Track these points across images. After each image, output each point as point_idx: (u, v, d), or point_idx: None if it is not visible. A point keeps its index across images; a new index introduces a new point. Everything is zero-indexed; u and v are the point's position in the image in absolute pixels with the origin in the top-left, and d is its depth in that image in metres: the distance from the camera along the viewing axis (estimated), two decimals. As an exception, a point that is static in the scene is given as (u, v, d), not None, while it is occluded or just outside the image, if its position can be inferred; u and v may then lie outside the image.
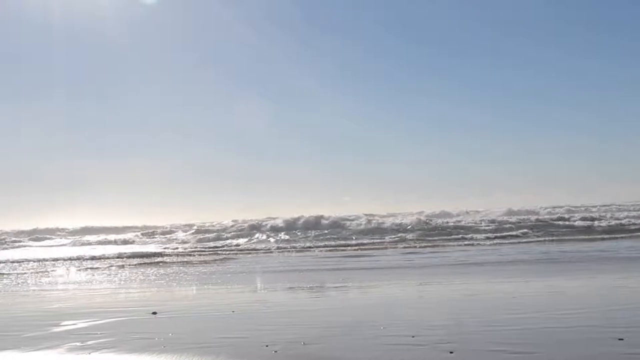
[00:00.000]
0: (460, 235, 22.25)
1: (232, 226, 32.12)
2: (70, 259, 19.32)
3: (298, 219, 31.11)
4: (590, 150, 55.63)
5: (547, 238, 20.37)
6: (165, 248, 22.80)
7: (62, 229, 38.92)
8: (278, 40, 54.28)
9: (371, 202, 68.12)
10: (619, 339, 4.64)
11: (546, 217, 28.60)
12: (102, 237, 30.81)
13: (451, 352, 4.45)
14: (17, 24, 46.72)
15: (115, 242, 27.21)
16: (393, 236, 23.30)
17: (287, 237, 26.27)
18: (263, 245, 21.89)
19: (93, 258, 18.91)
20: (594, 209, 34.70)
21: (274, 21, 52.42)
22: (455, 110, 58.17)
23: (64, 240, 30.09)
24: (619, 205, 36.46)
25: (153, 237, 30.54)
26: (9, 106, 52.78)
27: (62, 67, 51.04)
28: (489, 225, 25.00)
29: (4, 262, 18.68)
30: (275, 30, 53.39)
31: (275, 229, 29.57)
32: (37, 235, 35.11)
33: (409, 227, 25.52)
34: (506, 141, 57.80)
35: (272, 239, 25.36)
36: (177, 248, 22.66)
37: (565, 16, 49.49)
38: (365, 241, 21.76)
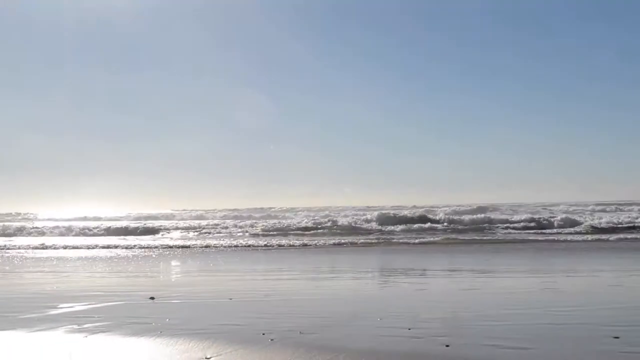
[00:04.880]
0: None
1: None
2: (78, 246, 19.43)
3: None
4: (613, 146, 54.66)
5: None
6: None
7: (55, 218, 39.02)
8: (294, 26, 53.74)
9: (372, 194, 68.15)
10: (615, 337, 4.64)
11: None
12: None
13: (447, 346, 4.46)
14: (25, 18, 46.33)
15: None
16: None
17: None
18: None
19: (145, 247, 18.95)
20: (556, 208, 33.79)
21: (291, 6, 51.81)
22: (471, 103, 57.57)
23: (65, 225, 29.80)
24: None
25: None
26: (18, 93, 52.70)
27: (72, 49, 50.78)
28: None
29: (28, 248, 18.78)
30: (292, 15, 52.79)
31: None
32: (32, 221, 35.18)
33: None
34: (518, 137, 57.39)
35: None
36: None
37: (583, 11, 48.79)
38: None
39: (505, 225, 22.81)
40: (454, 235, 20.04)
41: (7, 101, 51.47)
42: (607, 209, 31.93)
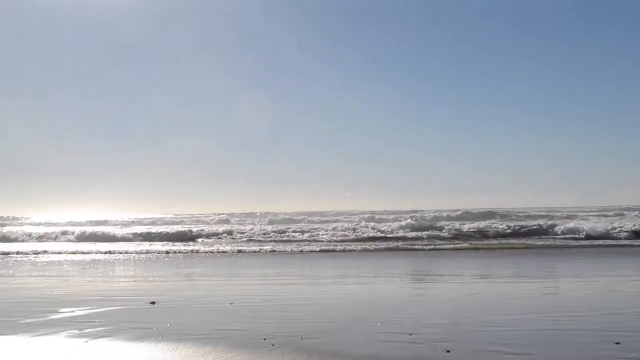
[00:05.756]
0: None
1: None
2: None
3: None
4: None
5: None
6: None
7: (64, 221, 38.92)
8: (298, 27, 53.57)
9: (372, 199, 68.10)
10: (616, 343, 4.64)
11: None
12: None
13: (448, 351, 4.46)
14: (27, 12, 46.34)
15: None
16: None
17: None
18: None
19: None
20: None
21: (296, 7, 51.74)
22: (474, 107, 57.26)
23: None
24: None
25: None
26: (18, 96, 52.72)
27: (73, 49, 50.79)
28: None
29: (40, 253, 18.78)
30: (296, 16, 52.67)
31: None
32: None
33: None
34: (520, 140, 57.16)
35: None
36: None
37: (586, 14, 48.77)
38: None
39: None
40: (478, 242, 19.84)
41: (7, 102, 51.57)
42: (609, 215, 31.83)
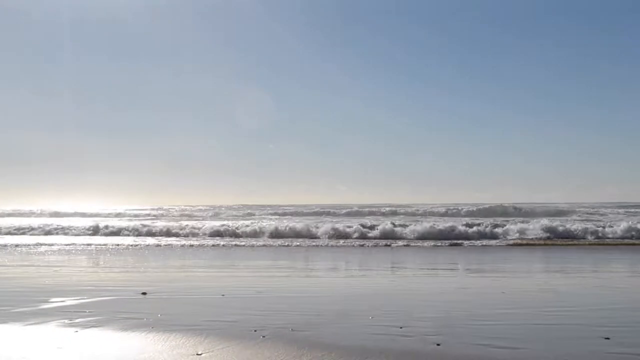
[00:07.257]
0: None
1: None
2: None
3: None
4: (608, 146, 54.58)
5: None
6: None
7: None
8: (295, 25, 53.54)
9: (366, 192, 68.15)
10: (606, 338, 4.67)
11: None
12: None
13: (438, 344, 4.47)
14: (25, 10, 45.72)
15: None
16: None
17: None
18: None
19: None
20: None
21: (294, 6, 51.73)
22: (469, 104, 57.44)
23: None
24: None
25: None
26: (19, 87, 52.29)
27: (73, 45, 50.37)
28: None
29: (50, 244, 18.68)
30: (294, 14, 52.70)
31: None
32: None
33: None
34: (514, 138, 57.44)
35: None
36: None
37: (580, 14, 48.96)
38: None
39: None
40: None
41: (8, 97, 51.17)
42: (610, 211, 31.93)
